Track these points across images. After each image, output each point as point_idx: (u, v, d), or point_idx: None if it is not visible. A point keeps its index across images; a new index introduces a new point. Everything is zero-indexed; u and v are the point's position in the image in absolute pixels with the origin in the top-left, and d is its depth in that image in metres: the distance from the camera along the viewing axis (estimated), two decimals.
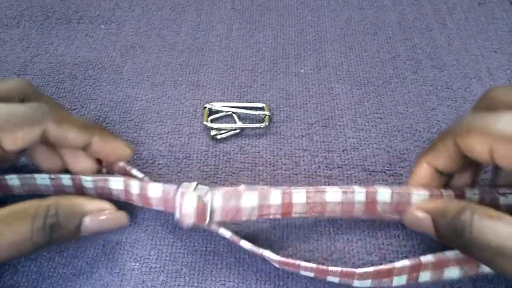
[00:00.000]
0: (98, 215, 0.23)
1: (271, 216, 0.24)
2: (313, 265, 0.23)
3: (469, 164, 0.23)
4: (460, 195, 0.25)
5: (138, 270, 0.26)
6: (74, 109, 0.34)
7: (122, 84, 0.36)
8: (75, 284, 0.25)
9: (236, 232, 0.24)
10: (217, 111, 0.33)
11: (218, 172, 0.30)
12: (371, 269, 0.23)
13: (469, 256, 0.21)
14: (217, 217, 0.24)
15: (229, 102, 0.34)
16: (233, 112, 0.33)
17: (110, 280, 0.25)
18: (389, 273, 0.23)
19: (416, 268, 0.23)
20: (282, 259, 0.23)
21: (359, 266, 0.25)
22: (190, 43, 0.39)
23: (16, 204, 0.22)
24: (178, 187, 0.24)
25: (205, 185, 0.29)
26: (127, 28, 0.40)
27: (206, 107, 0.33)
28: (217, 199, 0.24)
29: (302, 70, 0.37)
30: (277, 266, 0.24)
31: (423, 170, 0.25)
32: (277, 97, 0.35)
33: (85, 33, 0.40)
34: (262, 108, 0.34)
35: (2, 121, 0.22)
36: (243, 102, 0.34)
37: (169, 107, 0.34)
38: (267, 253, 0.23)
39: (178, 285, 0.25)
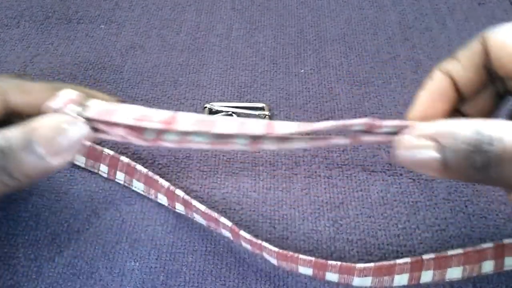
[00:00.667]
0: (45, 126, 0.19)
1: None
2: (312, 258, 0.23)
3: (492, 83, 0.20)
4: None
5: (138, 270, 0.26)
6: None
7: (122, 84, 0.36)
8: (75, 284, 0.25)
9: (236, 232, 0.25)
10: (217, 111, 0.33)
11: (218, 172, 0.30)
12: (371, 265, 0.23)
13: (485, 183, 0.17)
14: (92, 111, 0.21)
15: (229, 102, 0.34)
16: (233, 112, 0.33)
17: (110, 280, 0.25)
18: (390, 270, 0.23)
19: (418, 267, 0.23)
20: (281, 251, 0.23)
21: None
22: (190, 43, 0.39)
23: None
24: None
25: (205, 185, 0.29)
26: (127, 28, 0.40)
27: (206, 107, 0.33)
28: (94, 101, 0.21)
29: (302, 70, 0.37)
30: (275, 263, 0.24)
31: (437, 81, 0.20)
32: (277, 97, 0.35)
33: (85, 33, 0.40)
34: (262, 108, 0.34)
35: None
36: (243, 102, 0.34)
37: (169, 107, 0.34)
38: (266, 245, 0.23)
39: (178, 285, 0.25)
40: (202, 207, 0.26)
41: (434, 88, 0.20)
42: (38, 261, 0.26)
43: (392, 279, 0.23)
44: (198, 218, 0.27)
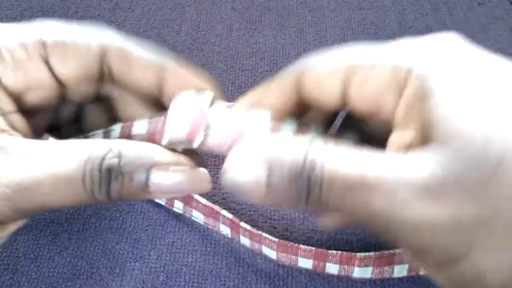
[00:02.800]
0: (170, 167, 0.17)
1: None
2: (312, 248, 0.23)
3: (301, 113, 0.20)
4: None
5: (138, 270, 0.26)
6: None
7: None
8: (75, 284, 0.25)
9: (236, 224, 0.25)
10: None
11: (218, 172, 0.30)
12: (371, 254, 0.23)
13: (320, 211, 0.16)
14: (214, 137, 0.18)
15: (229, 102, 0.34)
16: None
17: (110, 280, 0.25)
18: (390, 260, 0.23)
19: None
20: (281, 241, 0.23)
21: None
22: (190, 43, 0.39)
23: (70, 140, 0.17)
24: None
25: None
26: (127, 28, 0.40)
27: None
28: (217, 112, 0.18)
29: None
30: (275, 256, 0.24)
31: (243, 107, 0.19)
32: None
33: None
34: None
35: (51, 37, 0.18)
36: None
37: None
38: (266, 235, 0.23)
39: (178, 285, 0.25)
40: (204, 201, 0.26)
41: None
42: (38, 261, 0.26)
43: (392, 270, 0.23)
44: (196, 215, 0.27)
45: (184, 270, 0.26)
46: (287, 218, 0.28)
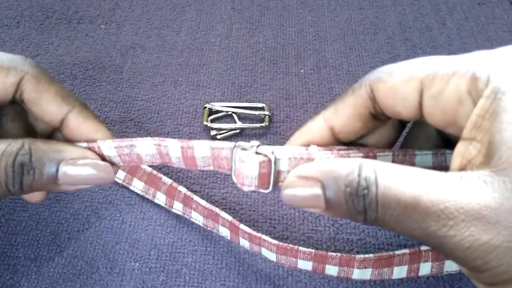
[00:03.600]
0: (78, 161, 0.19)
1: None
2: (312, 250, 0.23)
3: (372, 129, 0.20)
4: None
5: (138, 270, 0.26)
6: None
7: (122, 84, 0.36)
8: (75, 284, 0.25)
9: (235, 226, 0.25)
10: (217, 111, 0.33)
11: (218, 172, 0.30)
12: (370, 256, 0.23)
13: (369, 225, 0.16)
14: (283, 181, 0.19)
15: (229, 102, 0.34)
16: (233, 112, 0.33)
17: (110, 280, 0.25)
18: (389, 261, 0.23)
19: (416, 258, 0.23)
20: (281, 244, 0.23)
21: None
22: (190, 43, 0.39)
23: None
24: (234, 146, 0.19)
25: (205, 185, 0.30)
26: (127, 28, 0.40)
27: (206, 107, 0.33)
28: (284, 162, 0.19)
29: (302, 70, 0.37)
30: (274, 259, 0.24)
31: (315, 127, 0.20)
32: (277, 97, 0.35)
33: (85, 33, 0.40)
34: (262, 108, 0.34)
35: None
36: (243, 102, 0.34)
37: (169, 107, 0.34)
38: (266, 238, 0.23)
39: (178, 285, 0.25)
40: (203, 202, 0.26)
41: (313, 132, 0.20)
42: (38, 261, 0.26)
43: (392, 271, 0.23)
44: (196, 217, 0.27)
45: (184, 270, 0.26)
46: (287, 218, 0.28)
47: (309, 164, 0.17)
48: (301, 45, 0.39)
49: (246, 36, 0.40)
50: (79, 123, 0.21)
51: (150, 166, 0.29)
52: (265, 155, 0.18)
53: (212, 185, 0.29)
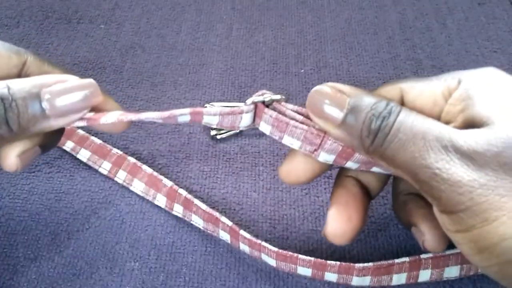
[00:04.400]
0: (60, 85, 0.19)
1: None
2: (311, 259, 0.23)
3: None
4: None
5: (138, 270, 0.26)
6: None
7: (122, 84, 0.36)
8: (75, 284, 0.25)
9: (235, 231, 0.24)
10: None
11: (218, 172, 0.30)
12: (370, 264, 0.23)
13: (375, 159, 0.18)
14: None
15: (229, 102, 0.34)
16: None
17: (110, 280, 0.25)
18: (389, 270, 0.23)
19: (416, 266, 0.23)
20: (280, 251, 0.23)
21: None
22: (190, 43, 0.39)
23: None
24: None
25: (205, 185, 0.30)
26: (127, 28, 0.40)
27: (206, 107, 0.33)
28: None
29: (302, 70, 0.37)
30: (274, 264, 0.24)
31: (349, 189, 0.22)
32: None
33: (85, 33, 0.40)
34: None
35: None
36: (243, 102, 0.34)
37: (169, 107, 0.34)
38: (266, 245, 0.23)
39: (178, 285, 0.25)
40: (204, 206, 0.26)
41: (348, 197, 0.21)
42: (37, 261, 0.26)
43: (391, 278, 0.23)
44: (196, 220, 0.27)
45: (184, 270, 0.26)
46: (287, 218, 0.28)
47: (347, 86, 0.18)
48: (301, 45, 0.39)
49: (246, 36, 0.40)
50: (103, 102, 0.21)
51: (151, 167, 0.29)
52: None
53: (212, 185, 0.29)
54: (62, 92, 0.19)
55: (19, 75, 0.21)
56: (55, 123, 0.19)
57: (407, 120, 0.17)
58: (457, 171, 0.16)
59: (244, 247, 0.25)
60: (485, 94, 0.17)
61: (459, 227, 0.16)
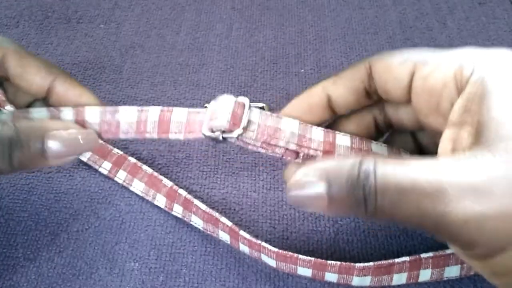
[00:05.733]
0: (62, 132, 0.20)
1: (305, 151, 0.21)
2: (312, 259, 0.23)
3: (367, 104, 0.22)
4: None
5: (137, 270, 0.26)
6: None
7: (122, 84, 0.36)
8: (75, 285, 0.25)
9: (235, 232, 0.24)
10: None
11: (218, 172, 0.30)
12: (370, 264, 0.23)
13: (373, 218, 0.17)
14: (253, 131, 0.20)
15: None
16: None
17: (110, 281, 0.25)
18: (389, 269, 0.23)
19: (417, 266, 0.23)
20: (281, 251, 0.23)
21: None
22: (190, 43, 0.39)
23: None
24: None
25: (205, 185, 0.29)
26: (126, 27, 0.40)
27: (206, 107, 0.33)
28: (256, 113, 0.20)
29: (302, 70, 0.36)
30: (274, 265, 0.24)
31: (314, 96, 0.21)
32: (277, 97, 0.34)
33: (84, 32, 0.40)
34: (262, 108, 0.33)
35: None
36: None
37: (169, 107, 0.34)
38: (266, 245, 0.23)
39: (178, 285, 0.25)
40: (203, 206, 0.26)
41: (309, 100, 0.21)
42: (37, 261, 0.26)
43: (391, 278, 0.23)
44: (196, 221, 0.27)
45: (184, 270, 0.26)
46: (287, 218, 0.28)
47: (312, 163, 0.18)
48: (301, 44, 0.39)
49: (246, 35, 0.39)
50: (66, 89, 0.23)
51: (151, 167, 0.29)
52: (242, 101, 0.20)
53: (212, 185, 0.29)
54: (63, 139, 0.20)
55: None
56: (51, 163, 0.21)
57: (389, 177, 0.16)
58: (460, 210, 0.14)
59: (244, 248, 0.25)
60: (502, 94, 0.16)
61: (473, 256, 0.16)
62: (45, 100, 0.24)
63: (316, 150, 0.21)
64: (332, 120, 0.23)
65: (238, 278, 0.25)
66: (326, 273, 0.23)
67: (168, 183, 0.27)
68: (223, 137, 0.20)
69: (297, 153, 0.21)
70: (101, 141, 0.30)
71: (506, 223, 0.14)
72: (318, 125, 0.21)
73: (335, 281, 0.23)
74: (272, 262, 0.24)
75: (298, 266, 0.23)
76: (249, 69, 0.37)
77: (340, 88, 0.21)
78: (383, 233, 0.27)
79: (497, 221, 0.14)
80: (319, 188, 0.17)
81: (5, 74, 0.22)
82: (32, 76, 0.22)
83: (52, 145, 0.20)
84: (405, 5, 0.42)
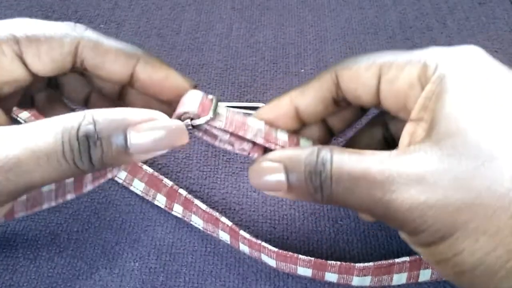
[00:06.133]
0: (145, 124, 0.17)
1: (272, 146, 0.21)
2: (312, 259, 0.23)
3: (332, 113, 0.22)
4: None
5: (137, 270, 0.26)
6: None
7: None
8: (75, 285, 0.25)
9: (235, 232, 0.24)
10: None
11: (218, 172, 0.30)
12: (370, 264, 0.23)
13: (324, 203, 0.18)
14: (221, 121, 0.20)
15: (229, 102, 0.34)
16: None
17: (110, 281, 0.25)
18: (389, 269, 0.23)
19: (417, 266, 0.23)
20: (281, 251, 0.23)
21: None
22: (190, 43, 0.39)
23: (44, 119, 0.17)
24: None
25: (205, 185, 0.29)
26: (126, 27, 0.40)
27: None
28: (223, 108, 0.21)
29: (302, 70, 0.36)
30: (274, 265, 0.24)
31: (281, 105, 0.21)
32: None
33: None
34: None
35: (23, 34, 0.19)
36: (243, 102, 0.34)
37: None
38: (266, 245, 0.23)
39: (178, 285, 0.25)
40: (204, 206, 0.26)
41: (277, 111, 0.22)
42: (37, 261, 0.26)
43: (391, 278, 0.23)
44: (196, 221, 0.27)
45: (184, 270, 0.26)
46: (287, 219, 0.28)
47: (274, 151, 0.19)
48: (301, 44, 0.39)
49: (246, 35, 0.39)
50: (150, 74, 0.21)
51: (151, 167, 0.29)
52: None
53: (212, 185, 0.29)
54: (148, 132, 0.17)
55: (73, 62, 0.20)
56: (135, 159, 0.18)
57: (344, 165, 0.17)
58: (405, 198, 0.16)
59: (244, 248, 0.25)
60: (457, 91, 0.17)
61: (418, 243, 0.17)
62: (130, 85, 0.22)
63: (282, 147, 0.21)
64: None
65: (238, 278, 0.25)
66: (326, 273, 0.23)
67: (168, 183, 0.27)
68: (191, 125, 0.20)
69: (264, 150, 0.21)
70: None
71: (447, 213, 0.15)
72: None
73: (335, 281, 0.23)
74: (272, 262, 0.24)
75: (298, 266, 0.23)
76: (249, 69, 0.37)
77: (308, 99, 0.21)
78: (383, 233, 0.27)
79: (439, 211, 0.15)
80: (279, 176, 0.18)
81: (82, 66, 0.20)
82: (112, 65, 0.20)
83: (136, 139, 0.17)
84: (405, 5, 0.42)
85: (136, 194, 0.29)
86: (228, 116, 0.20)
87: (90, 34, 0.20)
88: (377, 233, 0.27)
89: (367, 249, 0.26)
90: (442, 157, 0.16)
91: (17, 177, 0.16)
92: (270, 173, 0.18)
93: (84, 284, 0.25)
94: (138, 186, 0.28)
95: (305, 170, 0.17)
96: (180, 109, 0.20)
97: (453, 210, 0.15)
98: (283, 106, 0.21)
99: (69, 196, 0.24)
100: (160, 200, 0.28)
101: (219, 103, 0.21)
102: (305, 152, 0.18)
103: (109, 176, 0.24)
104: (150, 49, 0.38)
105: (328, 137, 0.24)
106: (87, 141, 0.16)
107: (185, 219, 0.27)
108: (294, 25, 0.40)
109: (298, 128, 0.22)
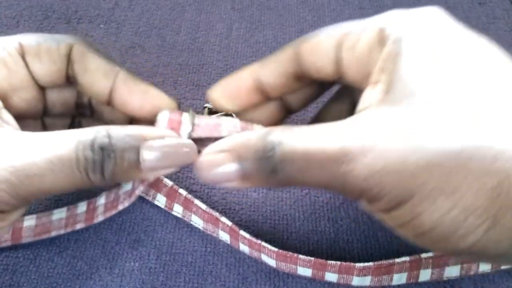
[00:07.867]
0: (160, 141, 0.18)
1: None
2: (312, 259, 0.23)
3: (297, 87, 0.22)
4: None
5: (137, 270, 0.26)
6: None
7: None
8: (75, 285, 0.25)
9: (235, 232, 0.24)
10: (216, 111, 0.33)
11: None
12: (370, 264, 0.23)
13: (281, 186, 0.18)
14: (198, 130, 0.20)
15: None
16: (233, 112, 0.33)
17: (110, 281, 0.25)
18: (389, 269, 0.23)
19: (417, 266, 0.23)
20: (281, 251, 0.23)
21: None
22: (190, 43, 0.39)
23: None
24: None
25: (205, 185, 0.29)
26: (126, 27, 0.40)
27: (206, 107, 0.33)
28: (198, 117, 0.21)
29: None
30: (274, 265, 0.24)
31: (242, 79, 0.21)
32: None
33: (84, 33, 0.40)
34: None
35: (26, 39, 0.21)
36: None
37: None
38: (266, 245, 0.23)
39: (178, 285, 0.25)
40: (204, 206, 0.26)
41: (237, 83, 0.21)
42: (37, 261, 0.26)
43: (391, 278, 0.23)
44: (196, 221, 0.27)
45: (184, 270, 0.26)
46: (287, 219, 0.28)
47: (223, 139, 0.18)
48: None
49: (246, 35, 0.39)
50: (130, 87, 0.21)
51: None
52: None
53: (211, 185, 0.29)
54: (161, 149, 0.18)
55: (67, 66, 0.21)
56: (145, 176, 0.18)
57: (295, 145, 0.16)
58: (361, 168, 0.15)
59: (244, 248, 0.25)
60: (414, 53, 0.16)
61: (378, 210, 0.17)
62: (109, 105, 0.22)
63: None
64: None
65: (238, 278, 0.25)
66: (326, 273, 0.23)
67: (168, 182, 0.27)
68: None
69: None
70: None
71: (403, 177, 0.15)
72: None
73: (335, 281, 0.23)
74: (272, 262, 0.24)
75: (298, 266, 0.23)
76: None
77: (268, 71, 0.21)
78: (383, 233, 0.27)
79: (395, 176, 0.15)
80: (231, 166, 0.17)
81: (72, 71, 0.21)
82: (92, 75, 0.21)
83: (149, 156, 0.18)
84: (405, 5, 0.42)
85: None
86: (199, 123, 0.20)
87: (81, 43, 0.21)
88: (377, 233, 0.27)
89: (367, 249, 0.26)
90: (395, 120, 0.15)
91: (31, 181, 0.16)
92: (220, 164, 0.17)
93: (84, 284, 0.25)
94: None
95: (255, 157, 0.17)
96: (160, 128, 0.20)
97: (409, 174, 0.15)
98: (243, 78, 0.21)
99: (79, 226, 0.25)
100: (160, 200, 0.28)
101: (192, 113, 0.21)
102: (253, 137, 0.17)
103: (120, 208, 0.24)
104: (150, 49, 0.38)
105: (286, 114, 0.23)
106: (102, 153, 0.17)
107: (185, 219, 0.27)
108: (294, 25, 0.40)
109: (259, 103, 0.22)
